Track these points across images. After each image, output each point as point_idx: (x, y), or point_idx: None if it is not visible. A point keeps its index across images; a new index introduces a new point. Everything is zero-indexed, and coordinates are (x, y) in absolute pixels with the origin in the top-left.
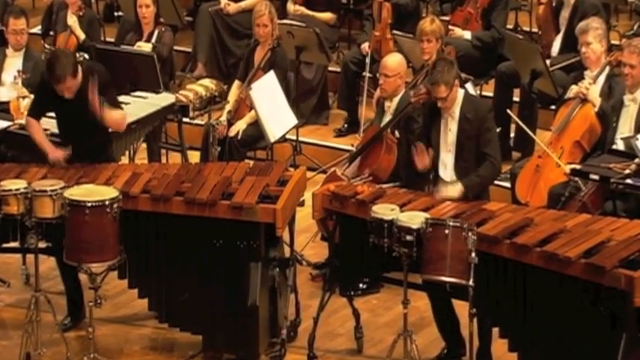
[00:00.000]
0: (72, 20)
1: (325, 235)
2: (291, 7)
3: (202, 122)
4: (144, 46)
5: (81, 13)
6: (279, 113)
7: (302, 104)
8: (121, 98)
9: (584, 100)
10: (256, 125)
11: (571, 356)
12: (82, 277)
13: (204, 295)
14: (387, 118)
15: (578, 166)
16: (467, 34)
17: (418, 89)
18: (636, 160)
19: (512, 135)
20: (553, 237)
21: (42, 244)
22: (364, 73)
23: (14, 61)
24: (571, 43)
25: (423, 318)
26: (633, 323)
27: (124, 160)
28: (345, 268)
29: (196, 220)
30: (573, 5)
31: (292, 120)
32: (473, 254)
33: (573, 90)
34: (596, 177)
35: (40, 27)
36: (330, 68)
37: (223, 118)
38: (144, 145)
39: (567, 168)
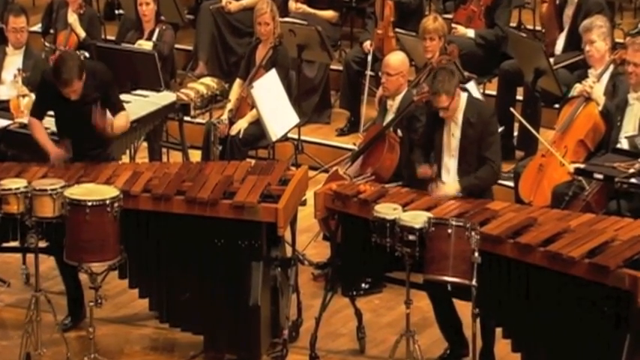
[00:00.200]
0: (72, 18)
1: (327, 235)
2: (292, 5)
3: (203, 121)
4: (145, 45)
5: (81, 11)
6: (281, 112)
7: (304, 103)
8: (122, 97)
9: (588, 99)
10: (258, 124)
11: (575, 356)
12: (83, 276)
13: (206, 294)
14: (390, 116)
15: (582, 166)
16: (470, 33)
17: (421, 88)
18: None
19: (515, 134)
20: (557, 237)
21: (42, 244)
22: (366, 72)
23: (14, 60)
24: (575, 42)
25: (426, 318)
26: (637, 323)
27: (125, 159)
28: (348, 268)
29: (197, 220)
30: (577, 3)
31: (294, 119)
32: (476, 254)
33: (577, 88)
34: (600, 176)
35: (40, 25)
36: (332, 67)
37: (224, 117)
38: (145, 144)
39: (571, 167)
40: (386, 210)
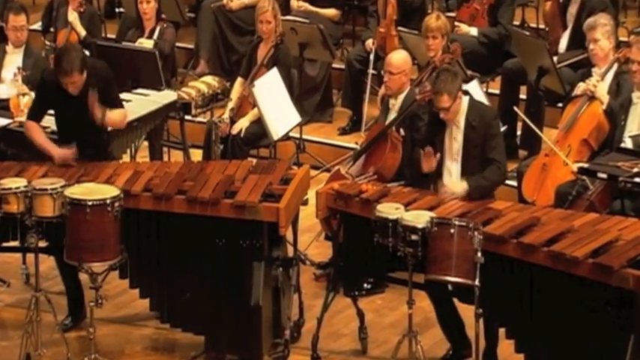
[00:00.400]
0: (72, 16)
1: (329, 235)
2: (294, 3)
3: (205, 120)
4: (145, 43)
5: (82, 10)
6: (283, 111)
7: (305, 102)
8: (123, 95)
9: (591, 98)
10: (259, 123)
11: (578, 357)
12: (83, 276)
13: (207, 295)
14: (392, 115)
15: (585, 165)
16: (473, 31)
17: (423, 86)
18: None
19: (518, 133)
20: (560, 236)
21: (42, 244)
22: (369, 71)
23: (14, 58)
24: (579, 40)
25: (429, 318)
26: None
27: (126, 158)
28: (350, 268)
29: (198, 219)
30: (581, 1)
31: (296, 118)
32: (479, 254)
33: (581, 87)
34: (604, 175)
35: (40, 23)
36: (334, 65)
37: (226, 116)
38: (145, 143)
39: (575, 166)
40: (388, 209)
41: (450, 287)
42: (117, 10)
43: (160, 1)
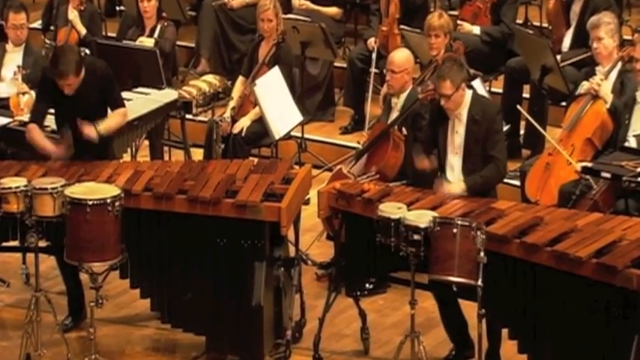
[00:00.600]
0: (73, 15)
1: (331, 234)
2: (296, 1)
3: (206, 119)
4: (146, 42)
5: (82, 8)
6: (284, 110)
7: (307, 100)
8: (123, 94)
9: (595, 97)
10: (261, 122)
11: (582, 358)
12: (83, 276)
13: (208, 295)
14: (394, 114)
15: (589, 164)
16: (476, 29)
17: (426, 85)
18: None
19: (522, 132)
20: (563, 236)
21: (42, 243)
22: (371, 69)
23: (14, 57)
24: (582, 39)
25: (431, 319)
26: None
27: (126, 157)
28: (352, 268)
29: (199, 219)
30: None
31: (297, 117)
32: (482, 254)
33: (584, 86)
34: (607, 175)
35: (40, 22)
36: (335, 64)
37: (227, 115)
38: (146, 143)
39: (578, 166)
40: (390, 209)
41: (454, 287)
42: (117, 8)
43: None
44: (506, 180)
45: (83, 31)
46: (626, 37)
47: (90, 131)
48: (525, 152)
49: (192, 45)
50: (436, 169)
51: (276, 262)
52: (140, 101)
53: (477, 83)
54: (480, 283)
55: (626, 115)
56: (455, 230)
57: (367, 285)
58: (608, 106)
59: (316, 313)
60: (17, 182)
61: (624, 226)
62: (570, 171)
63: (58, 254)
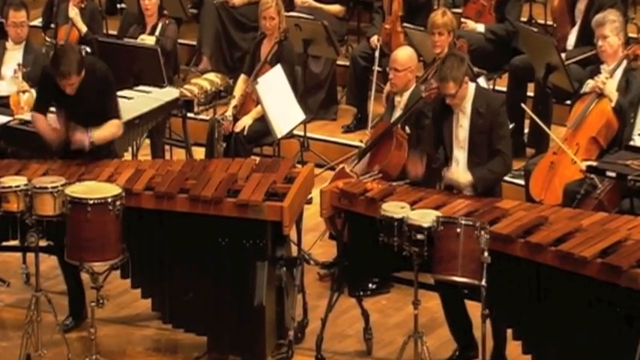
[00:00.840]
0: (73, 12)
1: (333, 234)
2: None
3: (207, 117)
4: (147, 40)
5: (83, 6)
6: (286, 108)
7: (310, 99)
8: (124, 93)
9: (600, 95)
10: (263, 121)
11: (586, 358)
12: (84, 276)
13: (209, 295)
14: (398, 113)
15: (594, 163)
16: (480, 27)
17: (429, 84)
18: None
19: (526, 131)
20: (568, 236)
21: (42, 243)
22: (374, 68)
23: (14, 55)
24: (587, 36)
25: (434, 319)
26: None
27: (127, 156)
28: (354, 268)
29: (201, 218)
30: None
31: (300, 115)
32: (485, 253)
33: (589, 84)
34: (612, 174)
35: (40, 19)
36: (338, 62)
37: (229, 114)
38: (147, 141)
39: (583, 165)
40: (393, 208)
41: (460, 287)
42: (118, 6)
43: None
44: (510, 179)
45: (84, 29)
46: (631, 34)
47: (83, 138)
48: (530, 151)
49: (194, 43)
50: (437, 164)
51: (279, 262)
52: (141, 100)
53: (480, 81)
54: (483, 283)
55: (632, 113)
56: (458, 230)
57: (370, 285)
58: (613, 104)
59: (319, 313)
60: (17, 181)
61: (629, 225)
62: (575, 170)
63: (59, 254)
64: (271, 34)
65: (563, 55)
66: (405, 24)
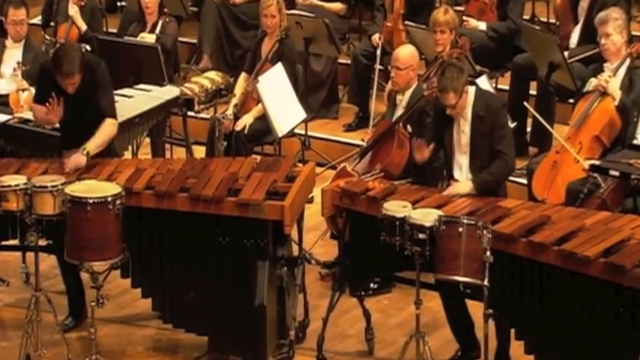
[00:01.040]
0: (73, 10)
1: (335, 233)
2: None
3: (208, 116)
4: (147, 38)
5: (82, 3)
6: (287, 107)
7: (311, 98)
8: (124, 91)
9: (603, 94)
10: (264, 119)
11: (589, 358)
12: (84, 276)
13: (210, 294)
14: (399, 112)
15: (597, 162)
16: (482, 25)
17: (431, 82)
18: None
19: (528, 130)
20: (571, 235)
21: (42, 242)
22: (375, 66)
23: (14, 53)
24: (590, 35)
25: (436, 319)
26: None
27: (127, 155)
28: (356, 267)
29: (201, 218)
30: None
31: (301, 114)
32: (488, 253)
33: (592, 83)
34: (616, 173)
35: (40, 17)
36: (340, 60)
37: (229, 112)
38: (147, 140)
39: (586, 164)
40: (395, 208)
41: (461, 287)
42: (118, 4)
43: None
44: (513, 178)
45: (84, 27)
46: (634, 33)
47: (78, 160)
48: (532, 150)
49: (194, 41)
50: (439, 163)
51: (280, 262)
52: (141, 98)
53: (482, 80)
54: (486, 282)
55: (635, 112)
56: (461, 229)
57: (372, 285)
58: (616, 103)
59: (320, 313)
60: (17, 180)
61: (633, 224)
62: (578, 169)
63: (59, 253)
64: (272, 32)
65: (566, 54)
66: (406, 22)
